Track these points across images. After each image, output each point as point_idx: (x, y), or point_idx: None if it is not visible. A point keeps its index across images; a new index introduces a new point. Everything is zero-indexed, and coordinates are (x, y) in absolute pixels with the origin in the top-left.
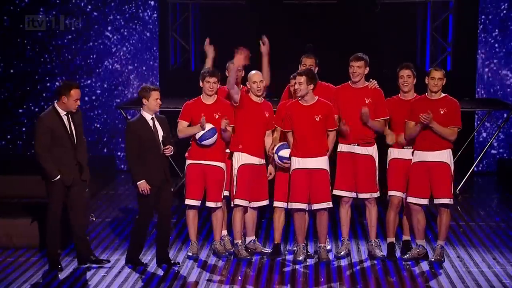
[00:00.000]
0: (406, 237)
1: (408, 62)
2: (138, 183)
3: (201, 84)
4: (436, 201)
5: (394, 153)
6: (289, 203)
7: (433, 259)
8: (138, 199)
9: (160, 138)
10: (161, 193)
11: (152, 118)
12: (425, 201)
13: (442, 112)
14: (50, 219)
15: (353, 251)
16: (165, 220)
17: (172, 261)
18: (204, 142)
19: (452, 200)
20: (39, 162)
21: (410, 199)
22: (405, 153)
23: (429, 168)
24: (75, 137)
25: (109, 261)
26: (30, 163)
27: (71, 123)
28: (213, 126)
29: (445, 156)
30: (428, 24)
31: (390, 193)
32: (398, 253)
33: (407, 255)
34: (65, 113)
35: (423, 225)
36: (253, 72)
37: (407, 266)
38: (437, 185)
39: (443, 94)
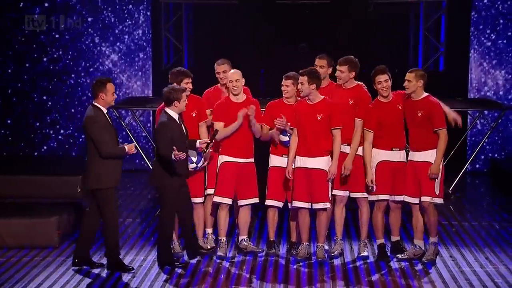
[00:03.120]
0: (395, 237)
1: (394, 63)
2: (173, 154)
3: None
4: (422, 198)
5: (381, 155)
6: (292, 201)
7: (425, 260)
8: (164, 196)
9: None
10: (181, 189)
11: (179, 118)
12: (417, 200)
13: (419, 114)
14: (113, 225)
15: (346, 251)
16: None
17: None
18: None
19: (434, 198)
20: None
21: (407, 199)
22: (393, 155)
23: (415, 167)
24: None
25: (103, 264)
26: (24, 163)
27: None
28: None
29: (428, 155)
30: (421, 24)
31: (379, 196)
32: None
33: (403, 255)
34: (106, 110)
35: (422, 225)
36: (232, 71)
37: (400, 266)
38: (422, 184)
39: (425, 94)
